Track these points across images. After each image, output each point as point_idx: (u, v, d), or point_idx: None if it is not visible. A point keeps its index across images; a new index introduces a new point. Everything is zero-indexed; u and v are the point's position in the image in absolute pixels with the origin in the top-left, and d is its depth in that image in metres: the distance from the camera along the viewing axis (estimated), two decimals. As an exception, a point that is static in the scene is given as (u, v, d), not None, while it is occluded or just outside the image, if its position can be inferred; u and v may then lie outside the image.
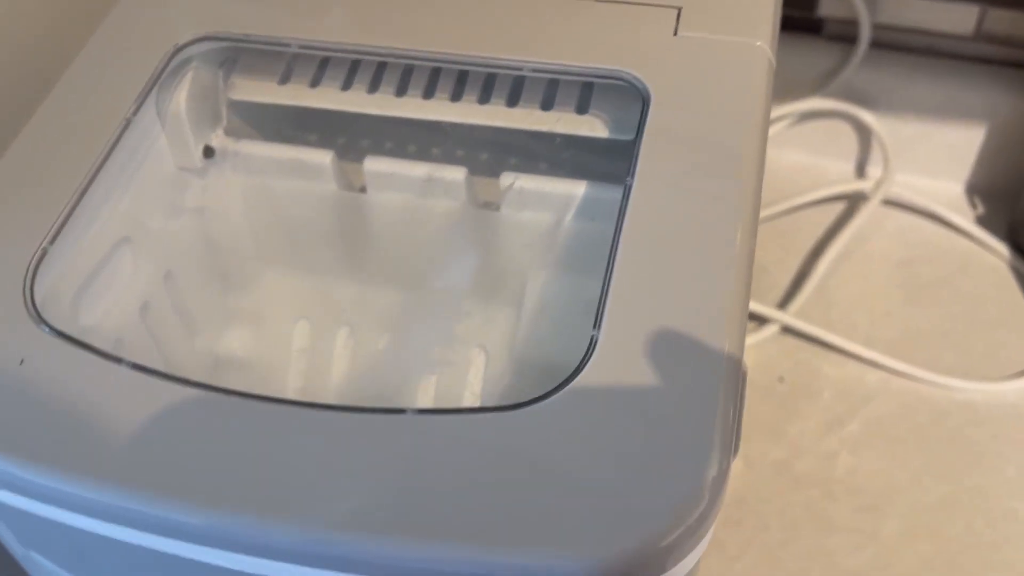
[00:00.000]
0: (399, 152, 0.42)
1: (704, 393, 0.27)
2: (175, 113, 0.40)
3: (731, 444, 0.27)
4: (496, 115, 0.39)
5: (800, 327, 0.72)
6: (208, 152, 0.42)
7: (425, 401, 0.41)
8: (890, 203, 0.81)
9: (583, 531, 0.25)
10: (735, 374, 0.28)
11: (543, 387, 0.35)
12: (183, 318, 0.42)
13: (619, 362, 0.28)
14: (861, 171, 0.83)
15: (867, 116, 0.78)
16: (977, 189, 0.82)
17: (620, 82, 0.35)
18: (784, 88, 0.81)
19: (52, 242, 0.33)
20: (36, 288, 0.32)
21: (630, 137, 0.38)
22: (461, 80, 0.40)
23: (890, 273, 0.78)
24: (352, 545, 0.25)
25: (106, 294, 0.38)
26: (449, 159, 0.42)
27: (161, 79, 0.38)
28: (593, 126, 0.38)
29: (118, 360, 0.30)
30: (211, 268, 0.43)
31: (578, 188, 0.39)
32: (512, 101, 0.39)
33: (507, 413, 0.27)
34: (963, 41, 0.79)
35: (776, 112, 0.78)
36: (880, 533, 0.62)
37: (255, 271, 0.44)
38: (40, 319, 0.31)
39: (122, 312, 0.39)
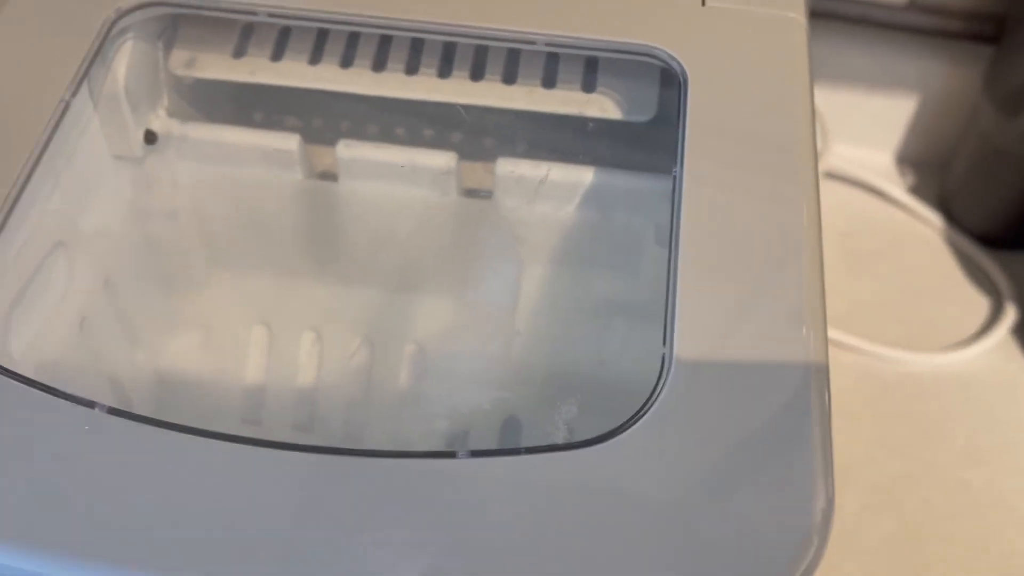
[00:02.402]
0: (375, 135, 0.37)
1: (797, 414, 0.24)
2: (110, 93, 0.34)
3: (831, 466, 0.24)
4: (491, 94, 0.35)
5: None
6: (150, 137, 0.36)
7: (414, 420, 0.37)
8: (828, 175, 0.81)
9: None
10: (824, 386, 0.25)
11: (551, 396, 0.31)
12: (126, 331, 0.36)
13: (698, 384, 0.25)
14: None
15: (804, 86, 0.77)
16: (908, 159, 0.82)
17: (651, 59, 0.31)
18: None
19: (-16, 255, 0.27)
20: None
21: (647, 118, 0.34)
22: (449, 54, 0.35)
23: (831, 246, 0.77)
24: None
25: (40, 310, 0.32)
26: (435, 143, 0.37)
27: (98, 53, 0.31)
28: (604, 106, 0.34)
29: (90, 404, 0.24)
30: (156, 272, 0.37)
31: (587, 175, 0.35)
32: (509, 78, 0.35)
33: (579, 451, 0.23)
34: (896, 11, 0.79)
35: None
36: (839, 509, 0.62)
37: (207, 273, 0.38)
38: (-19, 355, 0.25)
39: (59, 329, 0.33)
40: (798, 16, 0.32)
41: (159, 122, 0.36)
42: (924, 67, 0.76)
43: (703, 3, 0.32)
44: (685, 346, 0.25)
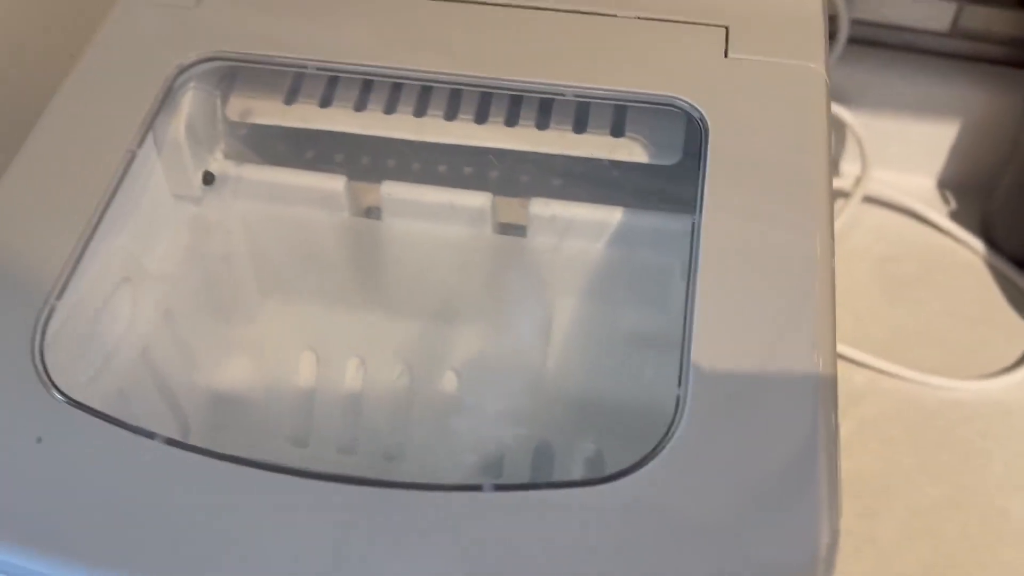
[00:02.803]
0: (417, 175, 0.40)
1: (805, 453, 0.25)
2: (172, 139, 0.36)
3: (838, 503, 0.25)
4: (526, 139, 0.37)
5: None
6: (208, 178, 0.38)
7: (447, 445, 0.39)
8: (868, 199, 0.81)
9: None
10: (832, 429, 0.26)
11: (580, 424, 0.33)
12: (185, 358, 0.39)
13: (710, 423, 0.26)
14: (836, 167, 0.83)
15: (844, 112, 0.78)
16: (950, 185, 0.82)
17: (672, 108, 0.33)
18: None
19: (59, 297, 0.29)
20: (46, 350, 0.28)
21: (672, 162, 0.36)
22: (485, 103, 0.37)
23: (871, 271, 0.78)
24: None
25: (106, 341, 0.34)
26: (472, 183, 0.39)
27: (163, 104, 0.34)
28: (632, 151, 0.36)
29: (150, 435, 0.27)
30: (213, 304, 0.40)
31: (614, 215, 0.36)
32: (542, 123, 0.37)
33: (596, 488, 0.25)
34: (939, 37, 0.79)
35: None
36: (879, 537, 0.62)
37: (259, 303, 0.41)
38: (54, 387, 0.27)
39: (123, 357, 0.35)
40: (817, 67, 0.33)
41: (217, 164, 0.38)
42: (966, 93, 0.76)
43: (725, 55, 0.34)
44: (698, 388, 0.27)
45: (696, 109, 0.32)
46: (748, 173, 0.31)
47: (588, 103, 0.37)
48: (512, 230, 0.39)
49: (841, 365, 0.70)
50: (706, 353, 0.27)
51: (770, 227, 0.30)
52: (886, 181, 0.80)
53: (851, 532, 0.61)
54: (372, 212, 0.39)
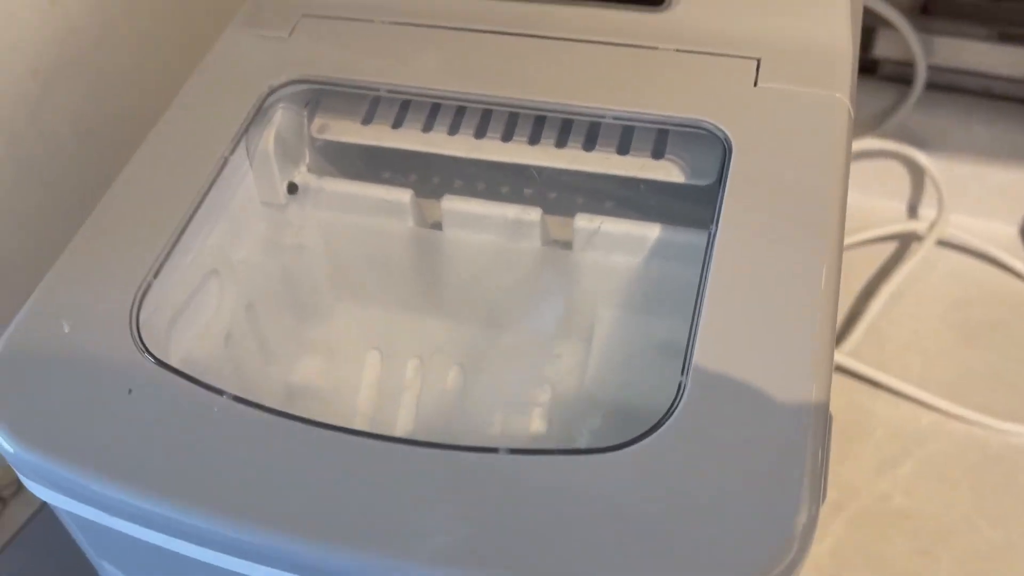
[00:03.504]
0: (475, 191, 0.44)
1: (792, 440, 0.28)
2: (263, 151, 0.41)
3: (820, 491, 0.27)
4: (574, 159, 0.40)
5: (853, 366, 0.72)
6: (292, 188, 0.43)
7: (492, 435, 0.42)
8: (944, 244, 0.81)
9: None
10: (822, 420, 0.28)
11: (615, 428, 0.35)
12: (262, 349, 0.43)
13: (707, 408, 0.29)
14: (915, 211, 0.83)
15: (921, 157, 0.79)
16: (1031, 231, 0.81)
17: (702, 131, 0.36)
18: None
19: (155, 276, 0.34)
20: (140, 321, 0.33)
21: (707, 183, 0.39)
22: (539, 124, 0.41)
23: (944, 314, 0.78)
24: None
25: (194, 324, 0.39)
26: (525, 199, 0.43)
27: (254, 119, 0.39)
28: (669, 171, 0.39)
29: (219, 392, 0.31)
30: (290, 300, 0.44)
31: (653, 231, 0.39)
32: (589, 145, 0.40)
33: (597, 456, 0.28)
34: (1017, 84, 0.79)
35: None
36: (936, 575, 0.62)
37: (332, 304, 0.45)
38: (146, 350, 0.32)
39: (208, 342, 0.40)
40: (842, 96, 0.36)
41: (300, 176, 0.43)
42: (1047, 140, 0.76)
43: (755, 84, 0.37)
44: (698, 376, 0.29)
45: (722, 131, 0.35)
46: (764, 193, 0.33)
47: (632, 128, 0.40)
48: (560, 244, 0.42)
49: (907, 405, 0.70)
50: (709, 349, 0.30)
51: (781, 246, 0.32)
52: (965, 226, 0.80)
53: (905, 571, 0.61)
54: (435, 224, 0.44)
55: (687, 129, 0.36)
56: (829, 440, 0.29)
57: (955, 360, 0.74)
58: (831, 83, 0.36)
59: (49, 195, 0.52)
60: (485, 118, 0.42)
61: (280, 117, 0.42)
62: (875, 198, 0.83)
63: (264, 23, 0.43)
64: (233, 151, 0.38)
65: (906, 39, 0.77)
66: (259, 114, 0.40)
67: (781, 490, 0.27)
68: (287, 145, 0.43)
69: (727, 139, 0.35)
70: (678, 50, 0.38)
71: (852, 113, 0.36)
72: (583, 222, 0.40)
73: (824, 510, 0.69)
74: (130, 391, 0.31)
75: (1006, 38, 0.76)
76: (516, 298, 0.43)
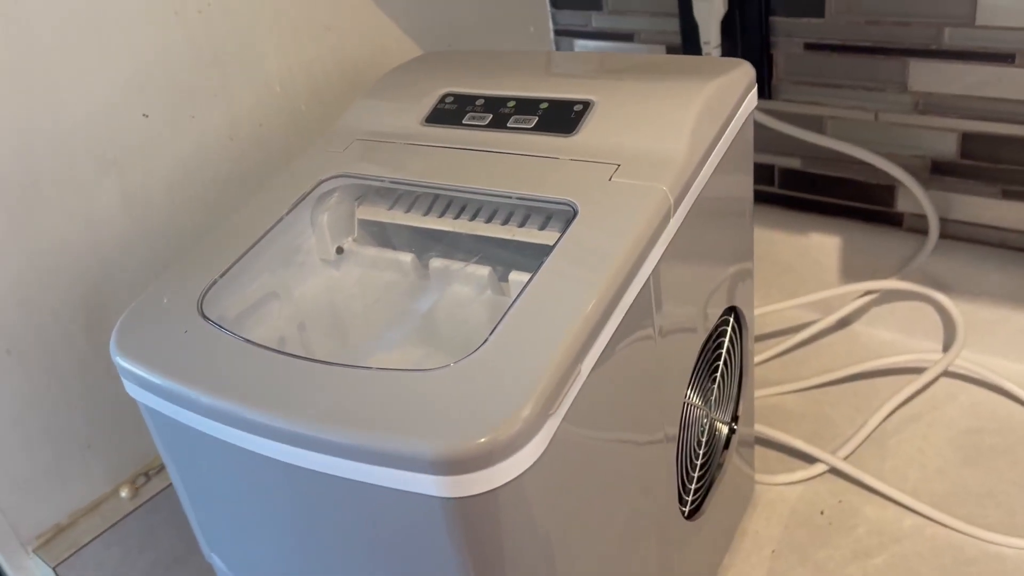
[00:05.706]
0: (462, 255, 0.63)
1: (541, 367, 0.44)
2: (319, 224, 0.64)
3: (555, 400, 0.43)
4: (493, 229, 0.59)
5: (848, 471, 0.80)
6: (340, 251, 0.65)
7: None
8: (962, 378, 0.88)
9: (436, 433, 0.42)
10: (570, 359, 0.44)
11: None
12: (307, 353, 0.64)
13: (499, 350, 0.45)
14: (936, 346, 0.91)
15: (941, 297, 0.88)
16: (1051, 371, 0.86)
17: (568, 208, 0.53)
18: (869, 270, 0.92)
19: (221, 276, 0.56)
20: (205, 302, 0.55)
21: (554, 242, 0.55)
22: (476, 207, 0.60)
23: (953, 438, 0.84)
24: (315, 429, 0.44)
25: (257, 327, 0.61)
26: (484, 261, 0.61)
27: (308, 197, 0.62)
28: (548, 237, 0.56)
29: (246, 340, 0.52)
30: (331, 326, 0.65)
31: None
32: (505, 220, 0.59)
33: (423, 372, 0.45)
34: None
35: (859, 288, 0.90)
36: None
37: (361, 331, 0.65)
38: (202, 314, 0.54)
39: (267, 335, 0.61)
40: (664, 186, 0.52)
41: (346, 243, 0.65)
42: (1058, 286, 0.82)
43: (610, 179, 0.54)
44: (499, 333, 0.46)
45: (577, 207, 0.53)
46: (576, 247, 0.50)
47: (531, 207, 0.58)
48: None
49: (893, 508, 0.77)
50: (509, 324, 0.47)
51: (574, 274, 0.49)
52: (983, 363, 0.86)
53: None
54: (426, 277, 0.63)
55: (561, 206, 0.54)
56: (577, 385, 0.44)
57: (951, 477, 0.80)
58: (659, 179, 0.52)
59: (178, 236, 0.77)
60: (455, 204, 0.62)
61: (335, 203, 0.64)
62: (901, 333, 0.92)
63: (331, 144, 0.66)
64: (288, 213, 0.60)
65: (915, 195, 0.88)
66: (313, 195, 0.62)
67: (519, 392, 0.43)
68: (336, 223, 0.65)
69: (577, 212, 0.52)
70: (571, 159, 0.56)
71: (670, 198, 0.52)
72: (516, 276, 0.58)
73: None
74: (185, 331, 0.52)
75: (1010, 195, 0.85)
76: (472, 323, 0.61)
